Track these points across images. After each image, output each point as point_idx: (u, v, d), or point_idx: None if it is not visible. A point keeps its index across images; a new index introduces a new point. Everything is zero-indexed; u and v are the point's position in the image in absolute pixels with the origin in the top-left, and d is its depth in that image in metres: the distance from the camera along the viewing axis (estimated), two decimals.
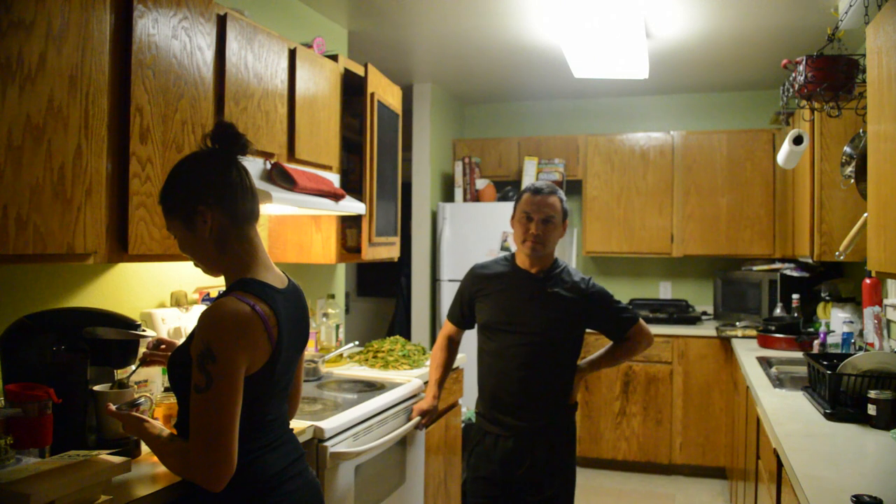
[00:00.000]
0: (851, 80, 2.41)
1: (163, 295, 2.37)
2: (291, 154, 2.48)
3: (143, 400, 1.74)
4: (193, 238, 1.50)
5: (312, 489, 1.63)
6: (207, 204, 1.47)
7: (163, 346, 1.79)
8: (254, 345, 1.41)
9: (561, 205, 2.35)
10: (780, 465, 2.00)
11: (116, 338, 1.75)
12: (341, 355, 3.05)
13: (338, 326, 3.23)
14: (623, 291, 5.20)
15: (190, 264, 2.38)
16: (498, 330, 2.35)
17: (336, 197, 2.54)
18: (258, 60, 2.27)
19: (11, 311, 1.75)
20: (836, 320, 3.48)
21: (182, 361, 1.45)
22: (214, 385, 1.34)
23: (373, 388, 2.60)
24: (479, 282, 2.43)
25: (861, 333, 3.15)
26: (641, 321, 2.43)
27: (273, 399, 1.54)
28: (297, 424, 1.98)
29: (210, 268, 1.55)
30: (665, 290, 5.17)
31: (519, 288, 2.35)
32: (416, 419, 2.51)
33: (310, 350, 2.96)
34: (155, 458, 1.71)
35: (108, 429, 1.70)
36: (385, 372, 2.89)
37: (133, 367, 1.80)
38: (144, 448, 1.75)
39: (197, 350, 1.37)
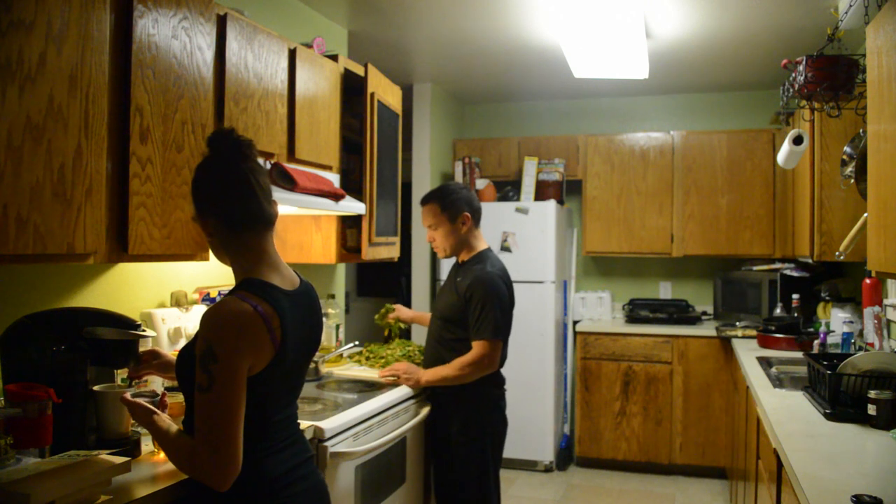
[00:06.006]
0: (851, 80, 2.41)
1: (163, 295, 2.37)
2: (291, 154, 2.48)
3: (159, 395, 1.75)
4: (209, 240, 1.58)
5: (319, 492, 1.63)
6: (204, 213, 1.53)
7: (155, 361, 1.84)
8: (255, 345, 1.41)
9: (433, 206, 2.61)
10: (780, 465, 2.00)
11: (116, 338, 1.75)
12: (341, 355, 3.05)
13: (338, 326, 3.23)
14: (623, 291, 5.21)
15: (190, 264, 2.38)
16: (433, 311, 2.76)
17: (336, 197, 2.54)
18: (258, 60, 2.27)
19: (11, 311, 1.75)
20: (836, 320, 3.48)
21: (188, 360, 1.46)
22: (216, 385, 1.35)
23: (373, 388, 2.60)
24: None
25: (861, 333, 3.15)
26: (489, 345, 2.48)
27: (280, 400, 1.54)
28: None
29: (228, 265, 1.60)
30: (665, 290, 5.17)
31: (449, 276, 2.73)
32: (392, 374, 2.64)
33: None
34: (155, 459, 1.71)
35: (108, 429, 1.70)
36: None
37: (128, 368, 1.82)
38: (144, 448, 1.75)
39: (199, 350, 1.38)
